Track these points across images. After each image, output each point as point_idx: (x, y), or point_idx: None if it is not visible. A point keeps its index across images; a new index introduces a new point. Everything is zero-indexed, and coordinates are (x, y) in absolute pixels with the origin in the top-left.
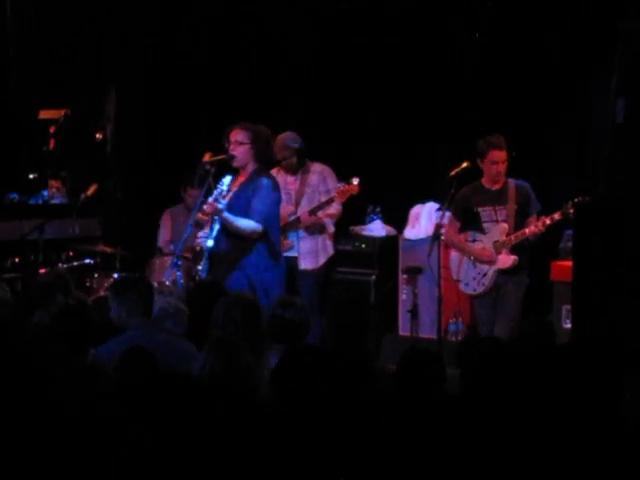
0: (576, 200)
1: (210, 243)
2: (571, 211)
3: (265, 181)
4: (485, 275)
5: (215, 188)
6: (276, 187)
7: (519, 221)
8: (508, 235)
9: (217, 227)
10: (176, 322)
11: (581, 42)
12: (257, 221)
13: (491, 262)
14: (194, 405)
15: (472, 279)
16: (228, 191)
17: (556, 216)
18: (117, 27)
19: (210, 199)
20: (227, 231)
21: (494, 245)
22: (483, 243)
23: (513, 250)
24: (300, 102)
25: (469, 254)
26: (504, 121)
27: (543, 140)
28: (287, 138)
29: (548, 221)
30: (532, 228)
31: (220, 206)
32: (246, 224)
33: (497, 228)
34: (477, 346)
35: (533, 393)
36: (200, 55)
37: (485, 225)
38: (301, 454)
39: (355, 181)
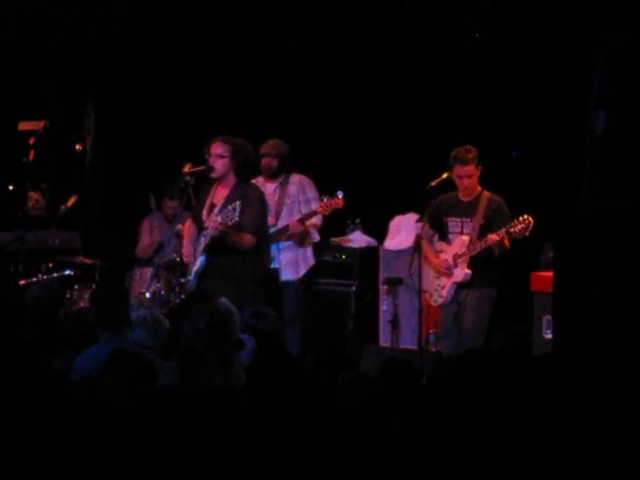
0: (523, 217)
1: (202, 259)
2: (514, 230)
3: (254, 193)
4: (444, 287)
5: (197, 199)
6: (264, 198)
7: (482, 235)
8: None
9: (205, 243)
10: (150, 334)
11: (579, 48)
12: (252, 234)
13: (448, 275)
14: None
15: (435, 290)
16: (212, 204)
17: (496, 236)
18: (98, 38)
19: (218, 219)
20: (222, 246)
21: (453, 257)
22: (446, 254)
23: (477, 264)
24: (281, 113)
25: (430, 265)
26: (490, 130)
27: (535, 151)
28: (278, 142)
29: (495, 237)
30: (481, 243)
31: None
32: (245, 239)
33: (457, 241)
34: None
35: (510, 403)
36: (181, 67)
37: (451, 236)
38: (281, 461)
39: (340, 195)
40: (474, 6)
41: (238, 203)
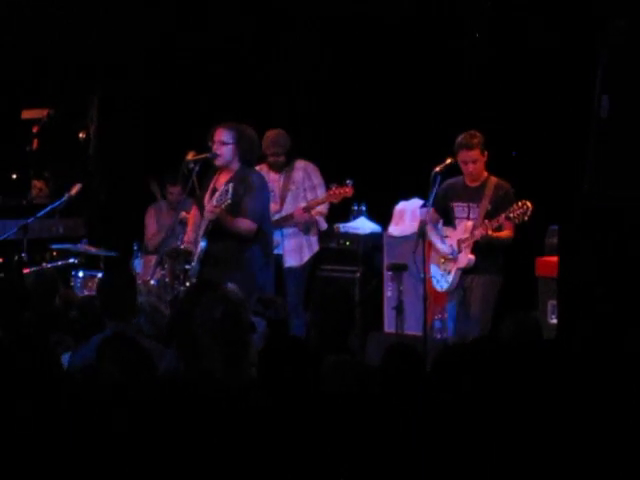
0: (522, 202)
1: (203, 244)
2: (512, 215)
3: (256, 179)
4: (449, 273)
5: (201, 187)
6: (266, 185)
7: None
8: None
9: (204, 227)
10: (147, 320)
11: (579, 48)
12: (252, 220)
13: (453, 260)
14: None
15: (440, 276)
16: (214, 189)
17: (496, 221)
18: (101, 26)
19: (213, 202)
20: (221, 232)
21: (458, 243)
22: (451, 240)
23: (481, 249)
24: (286, 99)
25: (436, 250)
26: (493, 119)
27: (537, 141)
28: (280, 136)
29: (494, 223)
30: (480, 230)
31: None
32: (243, 224)
33: (461, 226)
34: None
35: (518, 390)
36: (185, 53)
37: (456, 222)
38: (286, 452)
39: (349, 183)
40: (474, 6)
41: (231, 185)
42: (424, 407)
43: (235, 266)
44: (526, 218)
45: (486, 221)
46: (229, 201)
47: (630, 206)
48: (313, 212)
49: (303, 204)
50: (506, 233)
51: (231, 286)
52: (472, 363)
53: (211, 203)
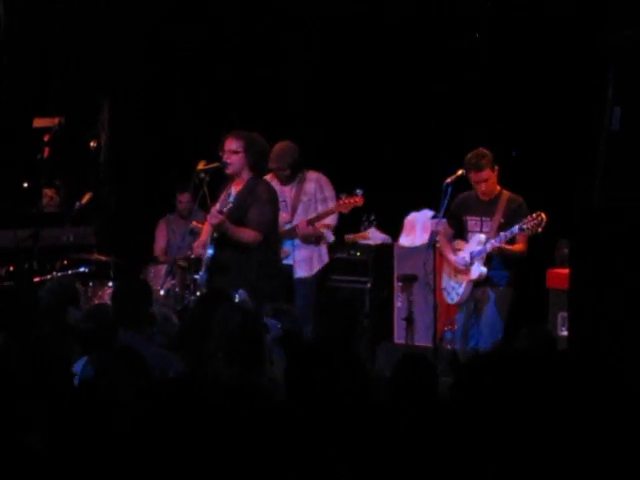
0: (536, 214)
1: (210, 252)
2: (526, 226)
3: (265, 190)
4: (460, 285)
5: (213, 198)
6: (276, 196)
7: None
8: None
9: (215, 235)
10: (158, 330)
11: (580, 48)
12: (256, 230)
13: (465, 272)
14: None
15: (451, 288)
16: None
17: (509, 233)
18: (112, 35)
19: (217, 208)
20: (228, 240)
21: (470, 255)
22: (463, 252)
23: (493, 262)
24: (296, 110)
25: (448, 262)
26: (502, 129)
27: (545, 149)
28: (284, 150)
29: (508, 235)
30: (493, 243)
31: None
32: (246, 233)
33: (474, 239)
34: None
35: (530, 400)
36: (197, 62)
37: (469, 235)
38: (298, 455)
39: (359, 193)
40: (474, 6)
41: (233, 189)
42: (434, 417)
43: (238, 275)
44: (540, 229)
45: (501, 233)
46: (230, 205)
47: (631, 206)
48: (318, 225)
49: (313, 216)
50: (519, 247)
51: (241, 293)
52: (491, 375)
53: (214, 208)
